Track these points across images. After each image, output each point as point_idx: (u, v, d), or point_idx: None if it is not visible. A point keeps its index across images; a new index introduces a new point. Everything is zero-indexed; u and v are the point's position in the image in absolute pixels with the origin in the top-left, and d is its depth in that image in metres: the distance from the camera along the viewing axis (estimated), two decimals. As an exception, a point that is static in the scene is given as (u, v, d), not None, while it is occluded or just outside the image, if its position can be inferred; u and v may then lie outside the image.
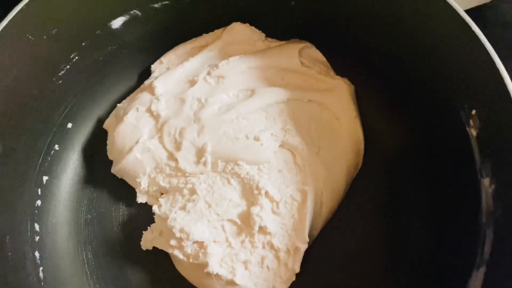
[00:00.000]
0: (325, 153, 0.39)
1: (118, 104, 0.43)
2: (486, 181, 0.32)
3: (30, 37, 0.33)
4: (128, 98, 0.43)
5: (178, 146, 0.39)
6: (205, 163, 0.38)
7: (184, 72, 0.42)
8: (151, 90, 0.41)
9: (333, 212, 0.40)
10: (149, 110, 0.40)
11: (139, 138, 0.39)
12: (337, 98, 0.41)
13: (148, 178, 0.39)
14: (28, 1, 0.32)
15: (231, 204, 0.37)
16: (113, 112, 0.43)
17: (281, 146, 0.39)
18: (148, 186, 0.40)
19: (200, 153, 0.38)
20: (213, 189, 0.37)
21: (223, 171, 0.37)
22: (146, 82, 0.43)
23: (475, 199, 0.33)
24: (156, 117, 0.40)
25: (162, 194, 0.39)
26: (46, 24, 0.34)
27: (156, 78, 0.42)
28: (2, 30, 0.31)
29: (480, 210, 0.32)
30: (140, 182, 0.39)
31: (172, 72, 0.42)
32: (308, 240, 0.36)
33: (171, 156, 0.39)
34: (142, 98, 0.41)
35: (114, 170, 0.41)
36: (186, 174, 0.38)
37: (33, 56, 0.35)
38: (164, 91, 0.41)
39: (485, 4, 0.49)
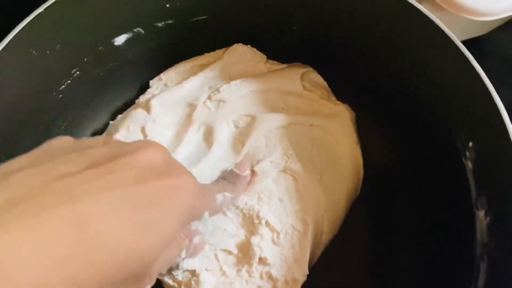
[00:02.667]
0: (327, 180, 0.39)
1: (110, 122, 0.42)
2: (481, 213, 0.32)
3: (33, 52, 0.33)
4: (121, 116, 0.42)
5: None
6: None
7: (183, 92, 0.41)
8: (147, 108, 0.40)
9: (331, 239, 0.39)
10: (142, 130, 0.39)
11: None
12: (339, 124, 0.41)
13: None
14: (34, 17, 0.32)
15: (225, 234, 0.35)
16: (106, 130, 0.42)
17: (283, 171, 0.38)
18: None
19: None
20: (206, 220, 0.35)
21: None
22: (142, 99, 0.42)
23: (470, 231, 0.33)
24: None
25: None
26: (51, 39, 0.34)
27: (153, 95, 0.42)
28: (7, 45, 0.31)
29: (475, 242, 0.32)
30: None
31: (171, 91, 0.41)
32: (308, 272, 0.36)
33: None
34: (135, 116, 0.40)
35: None
36: None
37: (36, 71, 0.35)
38: (161, 111, 0.40)
39: (479, 36, 0.50)
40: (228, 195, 0.34)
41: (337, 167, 0.40)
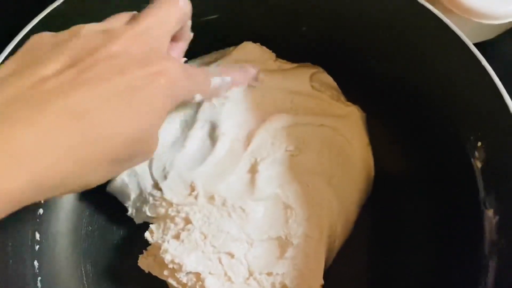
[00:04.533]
0: (338, 182, 0.38)
1: None
2: (489, 212, 0.33)
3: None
4: None
5: (165, 175, 0.36)
6: (196, 197, 0.35)
7: None
8: None
9: (343, 243, 0.39)
10: None
11: None
12: (350, 124, 0.40)
13: (134, 206, 0.38)
14: (51, 10, 0.32)
15: (228, 237, 0.34)
16: None
17: (289, 173, 0.37)
18: (135, 213, 0.38)
19: (191, 186, 0.36)
20: (210, 220, 0.35)
21: (223, 205, 0.35)
22: None
23: (478, 230, 0.33)
24: None
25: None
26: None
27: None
28: (24, 37, 0.31)
29: (483, 241, 0.33)
30: (128, 208, 0.38)
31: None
32: (323, 282, 0.35)
33: (156, 185, 0.36)
34: None
35: (108, 188, 0.39)
36: (173, 205, 0.35)
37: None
38: None
39: (484, 41, 0.50)
40: (227, 79, 0.34)
41: (348, 169, 0.39)
